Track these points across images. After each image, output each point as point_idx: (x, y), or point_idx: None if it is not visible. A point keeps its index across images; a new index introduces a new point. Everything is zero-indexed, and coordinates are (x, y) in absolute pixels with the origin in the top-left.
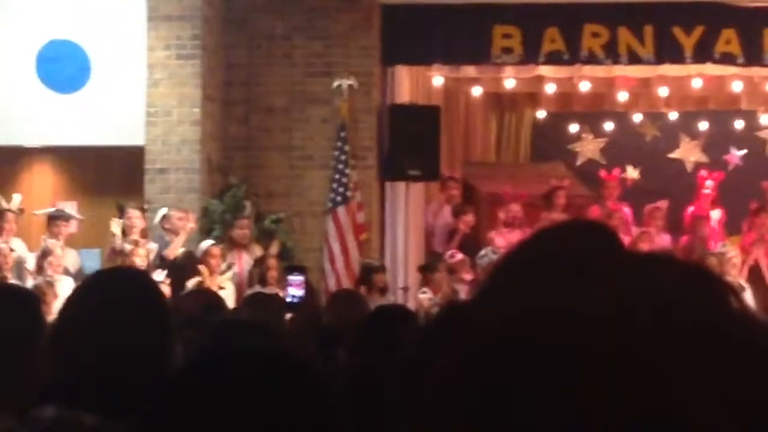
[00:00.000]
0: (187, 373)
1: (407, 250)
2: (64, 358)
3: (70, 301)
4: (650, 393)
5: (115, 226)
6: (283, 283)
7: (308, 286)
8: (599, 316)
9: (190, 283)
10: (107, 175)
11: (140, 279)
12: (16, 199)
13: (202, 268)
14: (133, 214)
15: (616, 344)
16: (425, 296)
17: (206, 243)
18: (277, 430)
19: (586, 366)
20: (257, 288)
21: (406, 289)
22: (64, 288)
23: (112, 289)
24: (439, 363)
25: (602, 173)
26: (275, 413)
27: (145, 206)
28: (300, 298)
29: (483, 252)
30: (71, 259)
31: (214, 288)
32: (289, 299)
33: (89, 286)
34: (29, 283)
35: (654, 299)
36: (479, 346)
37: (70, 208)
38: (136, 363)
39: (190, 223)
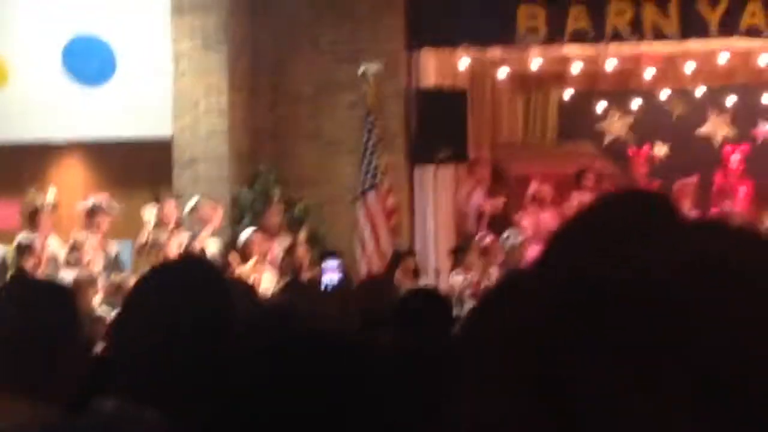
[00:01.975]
0: (250, 362)
1: (438, 233)
2: (123, 350)
3: (132, 293)
4: (712, 352)
5: (149, 214)
6: (319, 269)
7: (345, 271)
8: (657, 281)
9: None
10: (136, 167)
11: (205, 270)
12: (51, 194)
13: (233, 256)
14: (169, 204)
15: (676, 309)
16: (458, 278)
17: (247, 231)
18: (343, 411)
19: (645, 331)
20: (290, 275)
21: (437, 272)
22: (100, 281)
23: (173, 281)
24: (498, 332)
25: (630, 151)
26: (340, 396)
27: (178, 196)
28: (336, 283)
29: (506, 234)
30: (112, 251)
31: (249, 276)
32: (325, 285)
33: (151, 278)
34: (65, 277)
35: (713, 263)
36: (537, 315)
37: (105, 200)
38: (195, 356)
39: (219, 214)
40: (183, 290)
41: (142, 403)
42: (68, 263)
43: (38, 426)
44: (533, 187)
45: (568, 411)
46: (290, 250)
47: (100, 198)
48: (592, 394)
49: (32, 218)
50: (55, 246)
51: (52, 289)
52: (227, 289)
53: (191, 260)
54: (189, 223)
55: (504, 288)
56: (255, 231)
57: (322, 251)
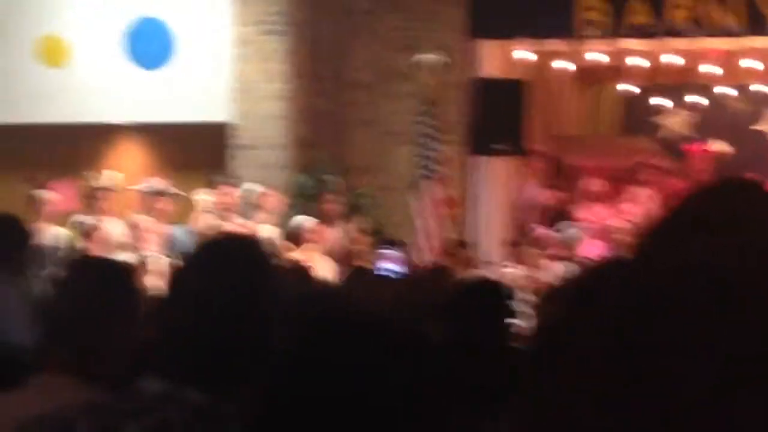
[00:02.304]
0: (302, 347)
1: (493, 224)
2: (168, 330)
3: (177, 274)
4: None
5: (204, 199)
6: (377, 257)
7: (402, 260)
8: (754, 270)
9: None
10: (193, 151)
11: (249, 248)
12: (111, 176)
13: (286, 243)
14: (226, 189)
15: None
16: (510, 271)
17: (301, 219)
18: (395, 397)
19: (742, 323)
20: (346, 262)
21: (491, 263)
22: (156, 264)
23: (219, 259)
24: (594, 320)
25: (686, 146)
26: (391, 382)
27: (234, 181)
28: (394, 272)
29: (562, 226)
30: (168, 234)
31: (303, 262)
32: (383, 273)
33: (196, 257)
34: (123, 258)
35: None
36: (638, 303)
37: (162, 184)
38: (241, 337)
39: (275, 200)
40: (225, 269)
41: (186, 384)
42: (125, 246)
43: (83, 407)
44: (585, 182)
45: (663, 405)
46: (348, 238)
47: (157, 181)
48: (694, 391)
49: (91, 200)
50: (112, 228)
51: (112, 268)
52: (271, 270)
53: (235, 240)
54: (246, 209)
55: (602, 277)
56: (309, 218)
57: (379, 239)
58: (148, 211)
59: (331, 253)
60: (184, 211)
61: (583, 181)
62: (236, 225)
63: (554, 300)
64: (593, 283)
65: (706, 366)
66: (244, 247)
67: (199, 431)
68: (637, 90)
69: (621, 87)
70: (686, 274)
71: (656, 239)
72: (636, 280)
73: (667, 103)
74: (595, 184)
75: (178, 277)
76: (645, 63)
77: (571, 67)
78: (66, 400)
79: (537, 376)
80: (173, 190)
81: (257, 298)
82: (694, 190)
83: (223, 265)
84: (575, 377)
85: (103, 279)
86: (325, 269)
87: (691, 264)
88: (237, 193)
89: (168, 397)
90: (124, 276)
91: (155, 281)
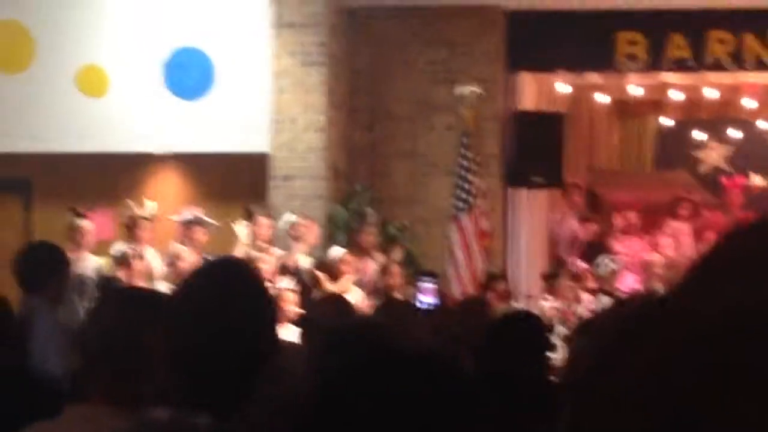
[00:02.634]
0: (341, 377)
1: (530, 257)
2: (173, 355)
3: (176, 299)
4: None
5: (241, 230)
6: (414, 290)
7: (439, 292)
8: None
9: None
10: (232, 182)
11: (242, 269)
12: (150, 206)
13: (319, 274)
14: (263, 221)
15: None
16: (547, 304)
17: (338, 250)
18: (431, 428)
19: None
20: (382, 294)
21: (529, 296)
22: None
23: (214, 281)
24: (639, 359)
25: (725, 180)
26: (426, 411)
27: (271, 213)
28: (431, 304)
29: (599, 259)
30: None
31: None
32: (420, 305)
33: (191, 281)
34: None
35: None
36: (685, 343)
37: (199, 214)
38: (243, 358)
39: (312, 231)
40: (223, 292)
41: (194, 405)
42: (165, 277)
43: None
44: (621, 215)
45: None
46: (384, 270)
47: (195, 211)
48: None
49: (130, 229)
50: (151, 257)
51: (145, 297)
52: (266, 292)
53: (228, 262)
54: (283, 240)
55: (643, 317)
56: (346, 249)
57: (416, 271)
58: (186, 241)
59: (366, 285)
60: (222, 241)
61: (619, 214)
62: (273, 256)
63: (587, 333)
64: (634, 321)
65: (747, 414)
66: (239, 269)
67: None
68: (675, 124)
69: (659, 120)
70: (732, 319)
71: (697, 279)
72: (680, 323)
73: (706, 137)
74: (631, 218)
75: (174, 301)
76: (684, 97)
77: (610, 100)
78: (99, 430)
79: (574, 411)
80: (210, 220)
81: (258, 320)
82: (735, 227)
83: (221, 288)
84: (613, 416)
85: (135, 308)
86: (360, 301)
87: (736, 308)
88: (274, 223)
89: (177, 422)
90: (157, 306)
91: None
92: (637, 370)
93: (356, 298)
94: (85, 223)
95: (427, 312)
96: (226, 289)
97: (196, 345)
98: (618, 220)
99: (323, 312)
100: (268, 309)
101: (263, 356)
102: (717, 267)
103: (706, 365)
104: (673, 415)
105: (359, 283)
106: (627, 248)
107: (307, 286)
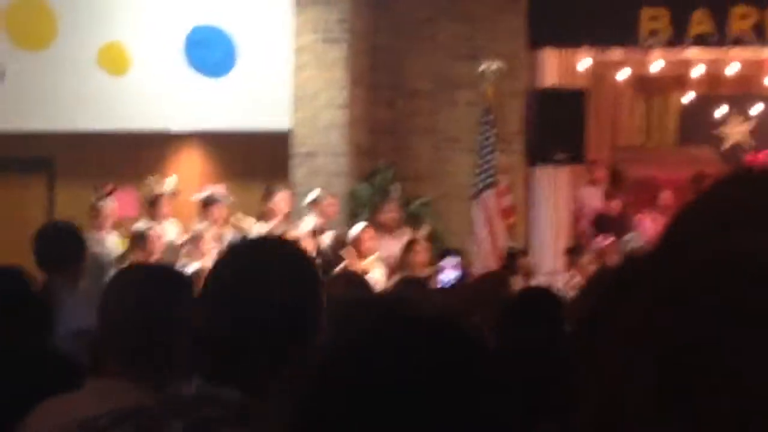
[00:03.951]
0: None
1: (552, 233)
2: (204, 329)
3: (210, 273)
4: None
5: (242, 219)
6: (437, 267)
7: (463, 268)
8: None
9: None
10: (254, 159)
11: (286, 246)
12: (170, 182)
13: (348, 250)
14: (285, 196)
15: None
16: (569, 279)
17: (359, 226)
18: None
19: None
20: (406, 272)
21: (552, 273)
22: None
23: (253, 257)
24: (624, 314)
25: (747, 156)
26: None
27: (293, 190)
28: (453, 280)
29: (629, 236)
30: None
31: (362, 270)
32: (443, 282)
33: (229, 257)
34: (183, 266)
35: None
36: (669, 296)
37: (220, 191)
38: (278, 334)
39: (334, 208)
40: (257, 269)
41: (222, 381)
42: (186, 254)
43: (130, 409)
44: (659, 199)
45: (698, 398)
46: (408, 247)
47: (216, 188)
48: (726, 380)
49: (151, 206)
50: (172, 233)
51: (169, 274)
52: (306, 270)
53: (266, 240)
54: (302, 216)
55: (629, 270)
56: (367, 226)
57: (440, 248)
58: (207, 218)
59: (389, 262)
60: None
61: (648, 191)
62: (294, 232)
63: (589, 293)
64: (627, 275)
65: (742, 361)
66: (275, 246)
67: (238, 429)
68: (698, 99)
69: (682, 96)
70: (721, 265)
71: (688, 228)
72: (669, 272)
73: (729, 112)
74: (664, 198)
75: (208, 278)
76: (708, 72)
77: (632, 76)
78: (118, 403)
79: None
80: (231, 198)
81: (293, 294)
82: (719, 179)
83: (255, 265)
84: (613, 361)
85: (155, 285)
86: (382, 277)
87: (725, 254)
88: (296, 200)
89: (206, 396)
90: (178, 282)
91: None
92: (618, 329)
93: (381, 274)
94: (106, 202)
95: (443, 288)
96: (259, 266)
97: (235, 319)
98: (657, 200)
99: (337, 287)
100: (312, 286)
101: (302, 333)
102: (696, 219)
103: (699, 307)
104: (672, 355)
105: (383, 260)
106: (656, 225)
107: (329, 262)
